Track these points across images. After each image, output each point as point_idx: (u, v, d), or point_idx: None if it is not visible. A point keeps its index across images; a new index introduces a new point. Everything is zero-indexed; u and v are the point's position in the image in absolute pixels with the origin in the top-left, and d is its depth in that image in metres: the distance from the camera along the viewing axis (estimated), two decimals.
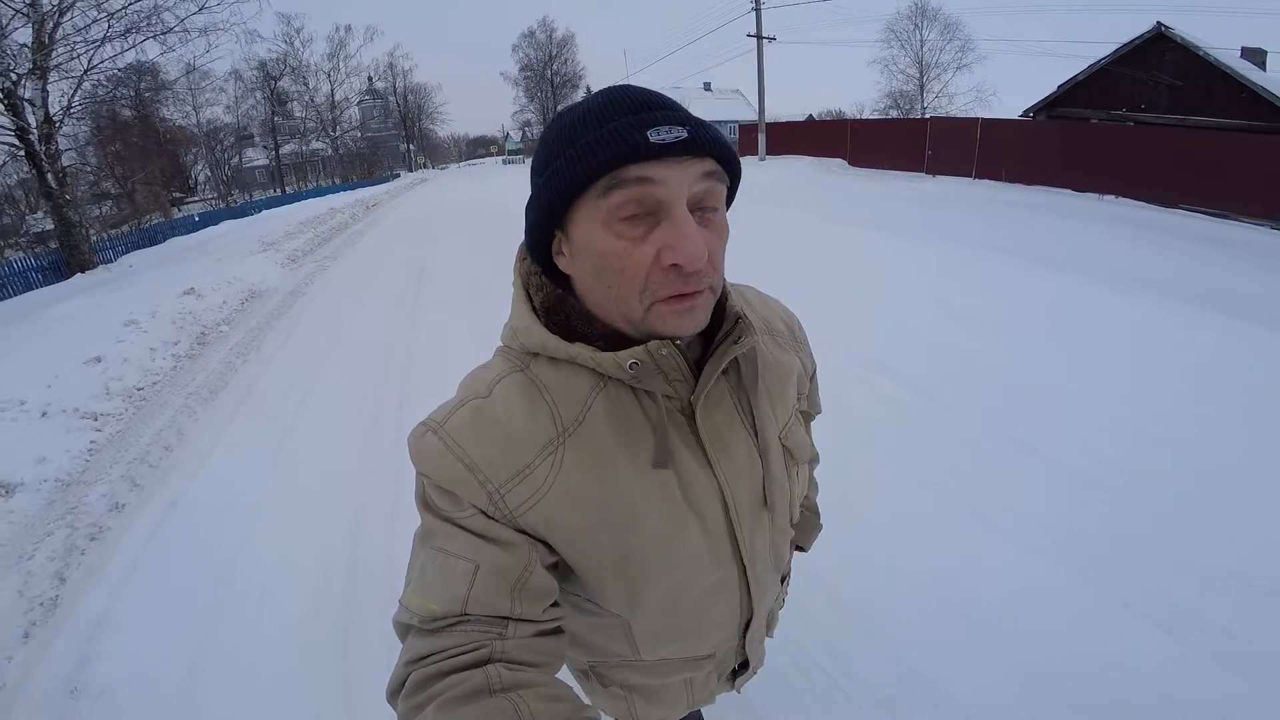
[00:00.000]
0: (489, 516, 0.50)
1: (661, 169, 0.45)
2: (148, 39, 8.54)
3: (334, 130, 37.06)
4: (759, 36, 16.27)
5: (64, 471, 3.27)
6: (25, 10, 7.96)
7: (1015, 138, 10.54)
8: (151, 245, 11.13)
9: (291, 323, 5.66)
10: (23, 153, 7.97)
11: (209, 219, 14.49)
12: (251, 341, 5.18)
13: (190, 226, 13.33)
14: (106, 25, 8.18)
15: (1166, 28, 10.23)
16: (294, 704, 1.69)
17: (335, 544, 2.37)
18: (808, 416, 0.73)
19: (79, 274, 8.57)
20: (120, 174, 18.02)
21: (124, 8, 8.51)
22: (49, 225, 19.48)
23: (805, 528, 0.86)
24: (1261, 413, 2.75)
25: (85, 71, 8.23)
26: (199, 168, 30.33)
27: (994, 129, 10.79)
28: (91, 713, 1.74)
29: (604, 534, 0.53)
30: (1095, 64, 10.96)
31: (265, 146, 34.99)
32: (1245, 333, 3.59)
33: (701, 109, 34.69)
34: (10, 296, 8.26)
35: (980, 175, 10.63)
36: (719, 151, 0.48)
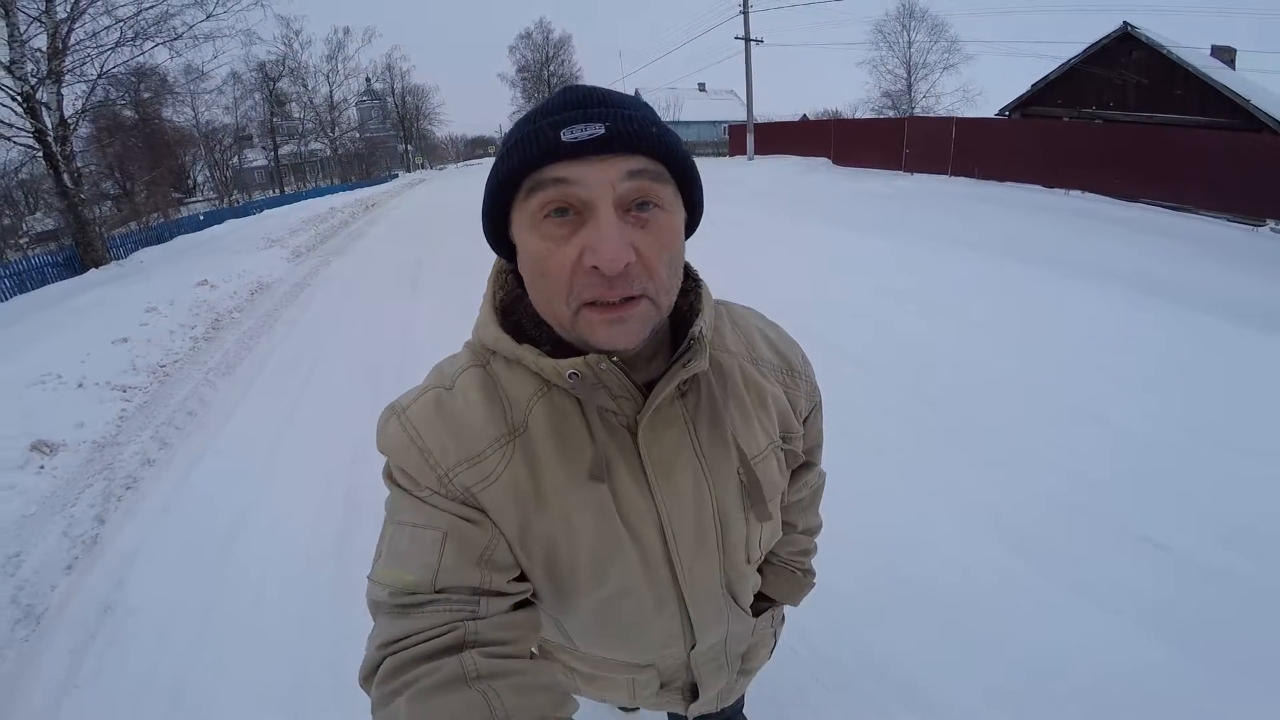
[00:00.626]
0: (445, 496, 0.51)
1: (579, 168, 0.44)
2: (158, 45, 9.00)
3: (333, 131, 37.42)
4: (746, 39, 16.72)
5: (99, 434, 3.69)
6: (40, 17, 8.39)
7: (988, 136, 11.00)
8: (159, 243, 11.59)
9: (299, 310, 6.09)
10: (41, 154, 8.40)
11: (213, 218, 14.99)
12: (263, 326, 5.61)
13: (195, 225, 13.80)
14: (119, 32, 8.61)
15: (1133, 27, 10.63)
16: (294, 628, 2.02)
17: (334, 490, 2.75)
18: (792, 456, 0.67)
19: (93, 269, 9.00)
20: (122, 175, 18.38)
21: (134, 15, 8.93)
22: (47, 226, 19.99)
23: (791, 583, 0.81)
24: (1205, 398, 2.91)
25: (99, 77, 8.71)
26: (198, 168, 30.72)
27: (968, 128, 11.25)
28: (123, 627, 2.08)
29: (532, 540, 0.53)
30: (1065, 63, 11.39)
31: (264, 147, 35.36)
32: (1198, 322, 3.82)
33: (696, 109, 35.16)
34: (28, 290, 8.68)
35: (955, 173, 11.07)
36: (649, 148, 0.46)
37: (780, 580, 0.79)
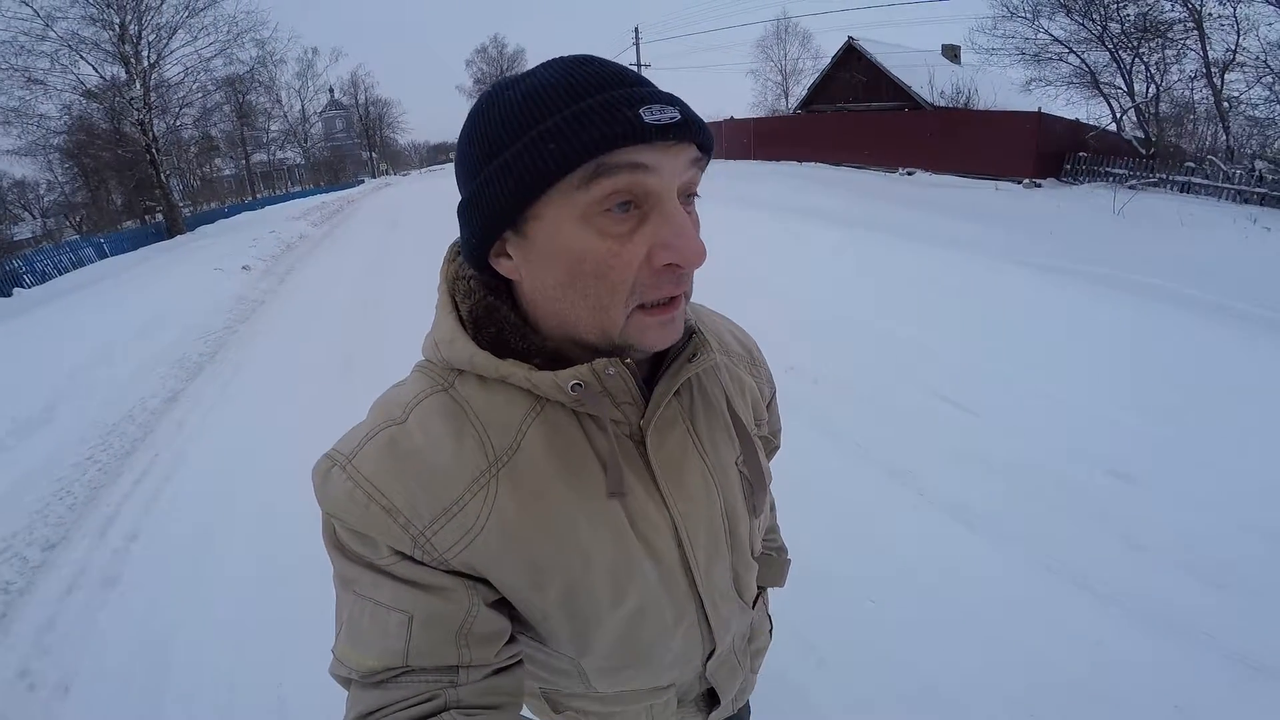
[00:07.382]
0: (415, 561, 0.44)
1: (656, 154, 0.40)
2: (219, 89, 13.92)
3: (305, 142, 41.28)
4: (639, 65, 22.04)
5: (264, 269, 8.77)
6: (135, 70, 13.23)
7: (773, 129, 16.45)
8: (206, 224, 16.51)
9: (334, 239, 11.23)
10: (148, 159, 13.33)
11: (234, 210, 20.50)
12: (319, 244, 10.75)
13: (222, 214, 19.14)
14: (194, 83, 13.58)
15: (855, 40, 15.54)
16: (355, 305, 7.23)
17: (361, 268, 7.90)
18: (767, 442, 0.68)
19: (179, 235, 13.89)
20: (94, 184, 20.67)
21: (194, 66, 13.84)
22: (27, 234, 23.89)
23: (775, 567, 0.80)
24: (863, 275, 4.91)
25: (180, 109, 13.64)
26: (164, 176, 33.72)
27: (762, 124, 16.78)
28: (303, 290, 7.23)
29: (546, 575, 0.47)
30: (822, 71, 16.71)
31: (232, 156, 38.46)
32: (858, 234, 6.18)
33: None
34: (134, 249, 13.47)
35: (756, 157, 16.44)
36: (705, 136, 0.43)
37: (764, 566, 0.75)
